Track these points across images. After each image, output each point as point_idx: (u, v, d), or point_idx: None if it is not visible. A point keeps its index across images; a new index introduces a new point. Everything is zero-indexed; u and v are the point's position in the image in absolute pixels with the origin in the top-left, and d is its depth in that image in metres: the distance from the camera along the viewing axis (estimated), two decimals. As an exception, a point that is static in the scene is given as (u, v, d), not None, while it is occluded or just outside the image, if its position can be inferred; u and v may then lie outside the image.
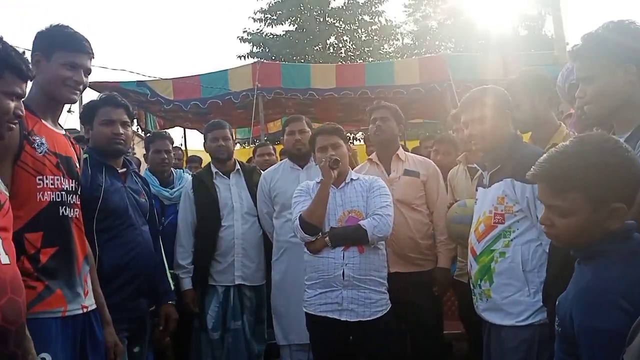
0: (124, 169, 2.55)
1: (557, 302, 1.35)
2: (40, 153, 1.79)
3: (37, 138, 1.79)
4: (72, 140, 2.06)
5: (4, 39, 1.52)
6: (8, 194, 1.51)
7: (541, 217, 1.38)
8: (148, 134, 6.74)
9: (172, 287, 2.79)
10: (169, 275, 2.78)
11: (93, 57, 2.01)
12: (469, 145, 2.95)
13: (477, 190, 2.50)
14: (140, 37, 57.09)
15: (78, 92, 1.97)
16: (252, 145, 9.22)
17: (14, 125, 1.58)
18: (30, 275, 1.69)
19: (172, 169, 3.75)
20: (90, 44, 1.99)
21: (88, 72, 2.00)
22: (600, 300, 1.16)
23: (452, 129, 3.47)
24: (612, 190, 1.23)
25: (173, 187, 3.58)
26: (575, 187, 1.25)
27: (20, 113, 1.57)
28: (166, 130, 7.02)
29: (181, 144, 9.09)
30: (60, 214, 1.85)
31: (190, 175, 3.68)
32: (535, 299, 2.14)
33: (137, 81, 7.02)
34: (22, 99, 1.59)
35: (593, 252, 1.28)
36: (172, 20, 52.31)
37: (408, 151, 3.84)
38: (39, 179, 1.78)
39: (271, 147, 5.02)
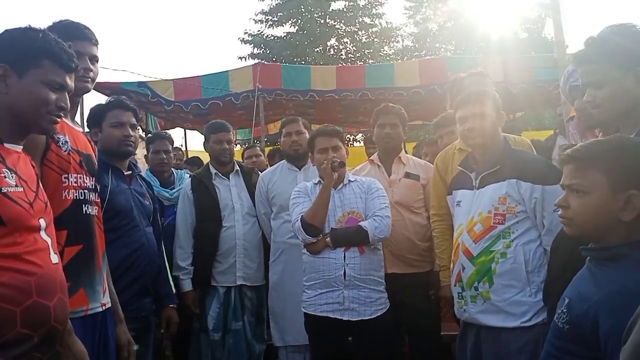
0: (130, 172, 2.58)
1: (566, 300, 1.34)
2: (65, 151, 1.80)
3: (61, 136, 1.80)
4: (89, 137, 2.08)
5: (46, 31, 1.50)
6: None
7: (558, 200, 1.42)
8: (148, 135, 6.75)
9: (174, 291, 2.81)
10: (170, 278, 2.80)
11: (97, 44, 1.98)
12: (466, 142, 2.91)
13: (451, 193, 2.50)
14: (141, 37, 57.12)
15: (89, 79, 1.95)
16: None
17: (58, 119, 1.53)
18: None
19: (172, 169, 3.75)
20: (91, 31, 1.96)
21: (94, 59, 1.97)
22: (636, 303, 1.16)
23: (435, 135, 3.48)
24: (633, 177, 1.26)
25: (173, 188, 3.59)
26: (598, 166, 1.30)
27: (64, 105, 1.51)
28: (166, 130, 7.02)
29: (182, 145, 9.10)
30: (84, 212, 1.85)
31: (189, 176, 3.69)
32: (536, 298, 2.15)
33: (138, 82, 7.02)
34: (68, 92, 1.53)
35: (614, 254, 1.29)
36: (173, 21, 52.34)
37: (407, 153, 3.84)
38: (64, 177, 1.79)
39: (258, 148, 5.01)
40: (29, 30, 1.48)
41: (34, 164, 1.52)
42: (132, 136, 2.52)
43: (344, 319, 2.59)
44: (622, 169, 1.27)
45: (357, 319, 2.59)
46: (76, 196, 1.82)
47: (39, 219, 1.39)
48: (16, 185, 1.35)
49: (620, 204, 1.27)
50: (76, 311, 1.75)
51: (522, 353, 2.14)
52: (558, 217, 2.09)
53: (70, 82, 1.53)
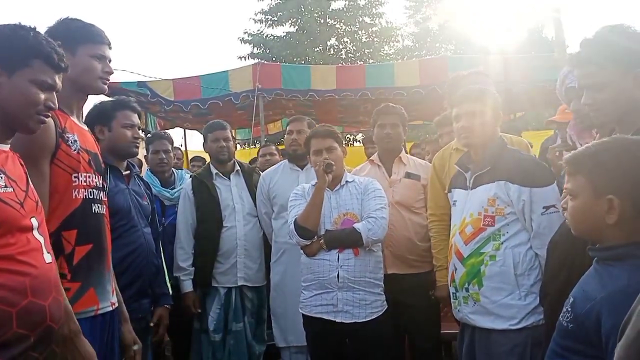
0: (128, 171, 2.58)
1: (571, 299, 1.35)
2: (74, 151, 1.80)
3: (70, 135, 1.80)
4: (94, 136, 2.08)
5: (37, 29, 1.49)
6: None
7: (562, 202, 1.48)
8: (148, 135, 6.74)
9: (170, 292, 2.80)
10: (167, 279, 2.79)
11: (111, 48, 2.03)
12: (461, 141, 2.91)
13: (450, 192, 2.49)
14: (140, 37, 57.15)
15: (108, 81, 2.00)
16: (252, 147, 9.22)
17: (45, 119, 1.51)
18: (65, 277, 1.69)
19: (173, 169, 3.75)
20: (105, 33, 2.01)
21: (110, 61, 2.02)
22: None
23: (437, 134, 3.49)
24: (613, 182, 1.27)
25: (174, 188, 3.59)
26: (582, 171, 1.33)
27: (52, 105, 1.50)
28: (166, 130, 7.02)
29: (181, 145, 9.09)
30: (93, 211, 1.86)
31: (190, 176, 3.68)
32: (526, 302, 2.15)
33: (138, 81, 7.01)
34: (56, 92, 1.52)
35: (619, 254, 1.29)
36: (173, 21, 52.39)
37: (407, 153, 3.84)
38: (74, 177, 1.79)
39: (274, 147, 4.99)
40: (19, 28, 1.46)
41: (22, 162, 1.50)
42: (139, 138, 2.57)
43: (337, 320, 2.59)
44: (601, 172, 1.30)
45: (350, 321, 2.58)
46: (86, 195, 1.83)
47: (31, 218, 1.39)
48: (5, 186, 1.34)
49: (604, 207, 1.28)
50: (86, 311, 1.76)
51: (510, 355, 2.14)
52: (546, 219, 2.13)
53: (59, 81, 1.52)
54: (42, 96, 1.47)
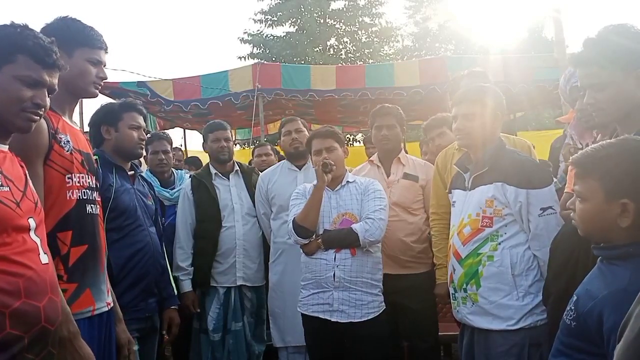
0: (132, 172, 2.60)
1: (574, 297, 1.36)
2: (67, 151, 1.79)
3: (63, 136, 1.79)
4: (87, 136, 2.10)
5: (29, 26, 1.47)
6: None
7: (569, 202, 1.46)
8: (147, 135, 6.73)
9: (176, 292, 2.81)
10: (172, 279, 2.79)
11: (107, 52, 2.02)
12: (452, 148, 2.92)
13: (450, 192, 2.49)
14: (140, 37, 57.16)
15: (100, 87, 2.00)
16: (252, 146, 9.22)
17: (35, 117, 1.45)
18: (61, 278, 1.68)
19: (172, 169, 3.75)
20: (102, 37, 2.00)
21: (105, 66, 2.02)
22: None
23: (427, 138, 3.49)
24: (626, 185, 1.28)
25: (174, 188, 3.59)
26: (593, 174, 1.33)
27: (40, 102, 1.44)
28: (165, 130, 7.02)
29: (181, 145, 9.09)
30: (87, 211, 1.85)
31: (189, 176, 3.68)
32: (523, 302, 2.15)
33: (138, 81, 7.02)
34: (49, 89, 1.48)
35: (624, 253, 1.30)
36: (173, 21, 52.40)
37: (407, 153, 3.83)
38: (68, 177, 1.78)
39: (269, 147, 4.96)
40: (8, 26, 1.44)
41: (22, 164, 1.49)
42: (145, 139, 2.60)
43: (333, 320, 2.59)
44: (615, 176, 1.29)
45: (345, 321, 2.58)
46: (79, 196, 1.82)
47: (28, 218, 1.38)
48: (1, 185, 1.33)
49: (617, 211, 1.29)
50: (83, 312, 1.75)
51: (508, 356, 2.14)
52: (544, 221, 2.12)
53: (48, 78, 1.47)
54: (28, 93, 1.43)
